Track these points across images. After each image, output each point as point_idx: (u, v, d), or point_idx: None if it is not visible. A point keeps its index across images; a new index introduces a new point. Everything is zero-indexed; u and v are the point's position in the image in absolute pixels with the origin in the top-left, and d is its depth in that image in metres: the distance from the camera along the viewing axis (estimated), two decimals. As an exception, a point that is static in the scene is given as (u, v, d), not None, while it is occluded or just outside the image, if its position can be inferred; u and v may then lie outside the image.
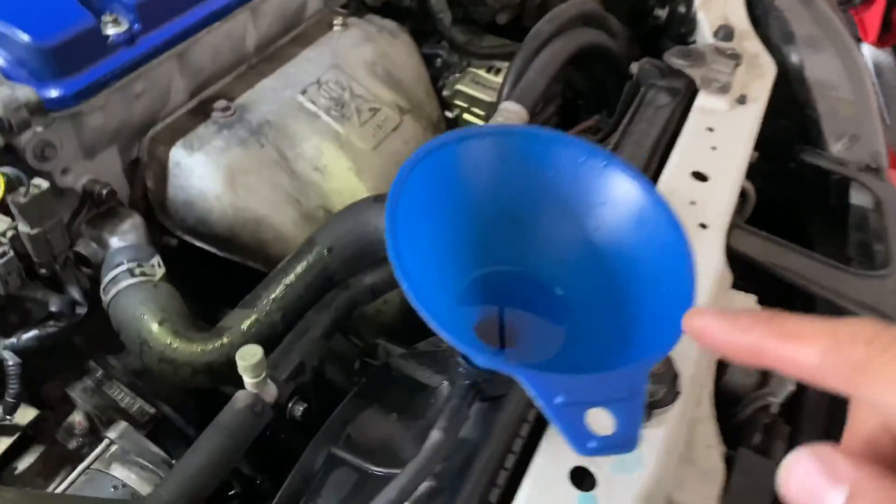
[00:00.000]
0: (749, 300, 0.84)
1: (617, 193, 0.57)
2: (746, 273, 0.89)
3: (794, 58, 1.20)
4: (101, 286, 0.81)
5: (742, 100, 1.05)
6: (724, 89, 1.05)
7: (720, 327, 0.32)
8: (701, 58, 1.11)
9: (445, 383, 0.71)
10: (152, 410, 0.90)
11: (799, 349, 0.28)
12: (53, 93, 0.79)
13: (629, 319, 0.53)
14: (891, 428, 0.29)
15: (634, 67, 1.13)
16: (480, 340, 0.52)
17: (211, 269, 1.05)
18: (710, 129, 1.00)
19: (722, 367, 0.79)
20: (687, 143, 0.98)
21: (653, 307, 0.51)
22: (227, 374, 0.76)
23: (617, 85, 1.26)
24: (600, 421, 0.42)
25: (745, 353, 0.31)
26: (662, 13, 1.36)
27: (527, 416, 0.65)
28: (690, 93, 1.09)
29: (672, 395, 0.65)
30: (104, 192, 0.86)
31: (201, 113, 0.97)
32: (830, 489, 0.26)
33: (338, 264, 0.82)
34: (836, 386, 0.28)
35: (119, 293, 0.79)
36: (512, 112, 1.00)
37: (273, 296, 0.79)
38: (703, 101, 1.04)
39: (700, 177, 0.94)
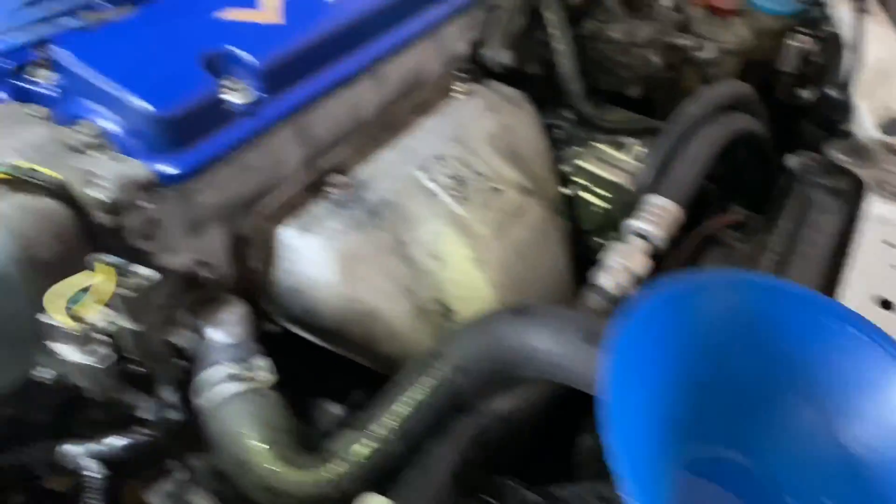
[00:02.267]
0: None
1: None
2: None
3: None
4: (194, 383, 0.71)
5: (924, 210, 0.91)
6: (902, 196, 0.92)
7: None
8: (870, 155, 0.98)
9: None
10: (239, 524, 0.78)
11: None
12: (167, 168, 0.70)
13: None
14: None
15: (792, 161, 1.01)
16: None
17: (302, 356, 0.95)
18: (891, 245, 0.87)
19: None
20: (866, 262, 0.85)
21: None
22: (335, 507, 0.66)
23: (758, 172, 1.13)
24: None
25: None
26: (808, 94, 1.23)
27: None
28: (858, 195, 0.96)
29: None
30: (209, 276, 0.76)
31: (315, 187, 0.87)
32: None
33: (467, 387, 0.71)
34: None
35: (223, 402, 0.69)
36: (663, 209, 0.88)
37: (395, 421, 0.68)
38: (879, 208, 0.91)
39: (886, 304, 0.81)
